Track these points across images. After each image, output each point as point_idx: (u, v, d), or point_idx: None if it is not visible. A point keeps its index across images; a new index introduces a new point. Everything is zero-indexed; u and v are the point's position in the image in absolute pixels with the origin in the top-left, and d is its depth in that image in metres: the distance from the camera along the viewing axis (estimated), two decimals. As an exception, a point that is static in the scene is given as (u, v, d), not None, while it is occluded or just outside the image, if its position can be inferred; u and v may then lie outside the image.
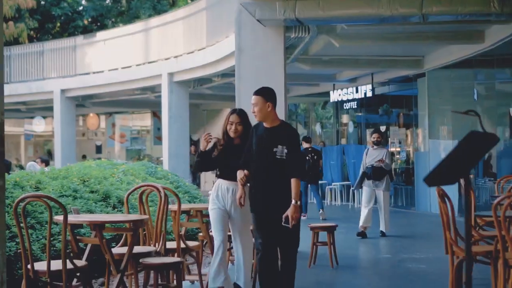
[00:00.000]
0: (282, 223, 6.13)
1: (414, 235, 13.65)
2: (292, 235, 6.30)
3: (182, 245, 7.18)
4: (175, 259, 6.60)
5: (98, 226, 6.14)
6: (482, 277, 7.99)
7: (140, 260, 6.41)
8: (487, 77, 15.93)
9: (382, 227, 12.98)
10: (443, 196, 6.60)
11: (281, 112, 10.54)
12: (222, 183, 6.95)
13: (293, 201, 6.16)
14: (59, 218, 5.83)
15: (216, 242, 6.88)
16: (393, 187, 19.50)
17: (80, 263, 6.00)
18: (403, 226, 14.96)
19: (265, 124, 6.45)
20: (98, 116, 35.11)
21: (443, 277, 8.65)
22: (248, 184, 6.58)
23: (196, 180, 23.77)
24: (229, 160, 6.86)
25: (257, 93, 6.49)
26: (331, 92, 23.41)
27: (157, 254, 6.80)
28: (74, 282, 6.23)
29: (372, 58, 17.80)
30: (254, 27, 10.84)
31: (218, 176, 7.04)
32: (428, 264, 9.75)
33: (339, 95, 23.04)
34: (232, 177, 6.78)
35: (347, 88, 22.52)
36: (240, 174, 6.57)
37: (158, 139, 32.22)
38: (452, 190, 16.38)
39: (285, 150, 6.26)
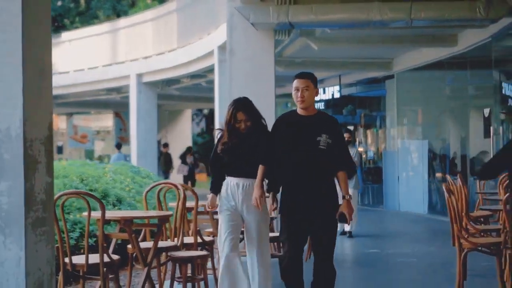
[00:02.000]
0: (338, 221, 5.73)
1: (390, 232, 14.11)
2: (332, 236, 5.80)
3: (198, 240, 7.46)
4: (202, 252, 6.90)
5: (128, 222, 6.41)
6: (485, 264, 8.47)
7: (169, 254, 6.69)
8: (460, 79, 16.49)
9: (347, 227, 12.71)
10: (450, 191, 7.01)
11: (271, 114, 10.93)
12: (231, 180, 6.29)
13: (346, 196, 5.72)
14: (97, 214, 6.07)
15: (222, 254, 6.34)
16: (362, 186, 20.00)
17: (115, 257, 6.26)
18: (376, 224, 15.44)
19: (302, 112, 5.87)
20: (58, 116, 34.96)
21: (440, 268, 9.14)
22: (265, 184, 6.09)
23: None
24: (237, 154, 6.26)
25: (305, 76, 5.88)
26: (297, 93, 23.77)
27: (176, 248, 7.04)
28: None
29: (344, 60, 18.27)
30: (245, 30, 11.17)
31: (226, 174, 6.37)
32: (418, 257, 10.19)
33: (306, 96, 23.42)
34: (241, 173, 6.24)
35: (314, 89, 22.92)
36: (257, 192, 6.04)
37: (121, 139, 32.27)
38: (419, 188, 16.99)
39: (329, 140, 5.70)
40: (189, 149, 23.67)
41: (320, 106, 23.34)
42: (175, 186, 7.35)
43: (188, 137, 34.23)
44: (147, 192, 7.45)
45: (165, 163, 22.47)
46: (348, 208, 5.71)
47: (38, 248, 5.26)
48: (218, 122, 17.25)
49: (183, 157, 22.12)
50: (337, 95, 21.67)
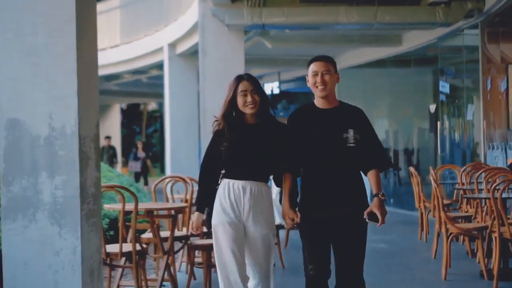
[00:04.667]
0: (366, 220, 4.80)
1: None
2: (362, 245, 4.96)
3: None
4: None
5: (151, 213, 6.90)
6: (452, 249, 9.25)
7: (189, 242, 7.19)
8: (404, 76, 17.39)
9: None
10: (436, 182, 7.74)
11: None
12: (234, 183, 4.88)
13: (379, 195, 4.80)
14: (131, 206, 6.53)
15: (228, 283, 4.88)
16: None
17: (143, 246, 6.73)
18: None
19: (322, 105, 4.93)
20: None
21: (412, 252, 9.89)
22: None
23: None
24: (244, 150, 4.90)
25: (324, 59, 4.95)
26: (236, 89, 24.35)
27: (187, 237, 7.53)
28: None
29: (289, 58, 19.00)
30: (217, 31, 11.72)
31: (225, 176, 4.95)
32: (387, 244, 10.88)
33: (244, 92, 24.03)
34: (250, 174, 4.88)
35: (253, 85, 23.57)
36: (289, 213, 4.86)
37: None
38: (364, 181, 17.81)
39: (357, 136, 4.84)
40: (142, 144, 23.14)
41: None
42: (183, 179, 7.84)
43: (117, 133, 34.37)
44: (156, 185, 7.91)
45: (108, 158, 22.37)
46: (380, 207, 4.78)
47: (90, 238, 5.68)
48: (169, 116, 17.70)
49: (135, 153, 22.05)
50: (276, 91, 22.40)
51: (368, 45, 16.19)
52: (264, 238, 4.88)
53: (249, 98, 4.82)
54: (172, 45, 17.83)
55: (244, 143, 4.89)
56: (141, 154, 21.41)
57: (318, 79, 4.85)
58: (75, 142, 5.57)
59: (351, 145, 4.86)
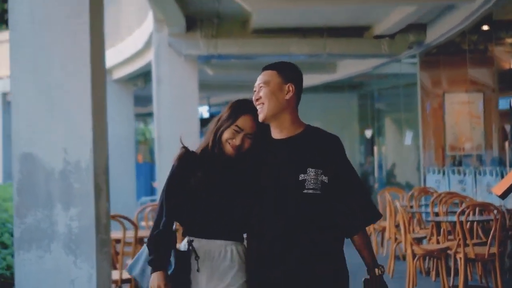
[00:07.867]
0: None
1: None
2: None
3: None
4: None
5: (141, 240, 7.23)
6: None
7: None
8: (339, 101, 18.07)
9: None
10: (401, 206, 8.35)
11: (195, 139, 11.80)
12: (205, 244, 3.45)
13: (376, 270, 3.45)
14: (131, 234, 6.84)
15: None
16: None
17: (139, 272, 7.04)
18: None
19: (275, 134, 3.43)
20: None
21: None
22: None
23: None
24: (222, 199, 3.45)
25: (266, 67, 3.60)
26: (163, 113, 24.67)
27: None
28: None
29: (222, 83, 19.47)
30: (172, 59, 12.07)
31: (192, 234, 3.49)
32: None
33: (172, 115, 24.37)
34: (227, 233, 3.45)
35: (182, 109, 23.98)
36: None
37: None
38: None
39: (323, 178, 3.30)
40: None
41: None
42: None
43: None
44: (138, 213, 8.22)
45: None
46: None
47: (104, 266, 5.97)
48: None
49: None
50: (206, 115, 22.82)
51: (304, 72, 16.75)
52: None
53: (237, 141, 3.46)
54: (109, 71, 17.99)
55: (217, 189, 3.47)
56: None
57: (255, 96, 3.47)
58: (90, 175, 5.86)
59: (310, 191, 3.28)
